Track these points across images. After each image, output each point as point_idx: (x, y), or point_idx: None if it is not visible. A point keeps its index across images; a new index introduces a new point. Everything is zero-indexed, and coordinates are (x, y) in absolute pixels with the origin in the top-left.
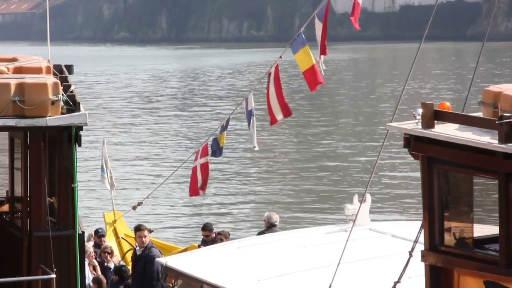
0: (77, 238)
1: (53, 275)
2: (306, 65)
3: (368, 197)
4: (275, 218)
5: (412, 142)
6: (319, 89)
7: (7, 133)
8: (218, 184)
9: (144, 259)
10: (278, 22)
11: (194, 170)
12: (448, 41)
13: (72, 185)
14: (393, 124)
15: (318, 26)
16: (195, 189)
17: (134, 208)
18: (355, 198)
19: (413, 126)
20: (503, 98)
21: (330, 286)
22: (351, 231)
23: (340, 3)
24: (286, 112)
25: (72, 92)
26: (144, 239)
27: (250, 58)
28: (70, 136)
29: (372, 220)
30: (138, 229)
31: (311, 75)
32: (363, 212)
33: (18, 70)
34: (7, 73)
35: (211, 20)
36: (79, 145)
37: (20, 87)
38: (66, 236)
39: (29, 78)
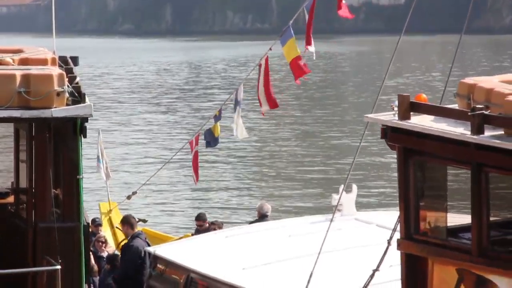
0: (82, 229)
1: (58, 266)
2: (291, 56)
3: (354, 188)
4: (266, 208)
5: (389, 133)
6: (319, 81)
7: (12, 124)
8: (212, 174)
9: (126, 248)
10: (282, 14)
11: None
12: (454, 33)
13: (77, 176)
14: (371, 115)
15: (307, 17)
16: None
17: (128, 198)
18: (341, 189)
19: (390, 117)
20: (477, 90)
21: (311, 274)
22: (331, 220)
23: None
24: (272, 103)
25: (77, 83)
26: (127, 231)
27: (255, 50)
28: (75, 128)
29: (359, 210)
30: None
31: (295, 66)
32: (349, 202)
33: (24, 62)
34: (13, 65)
35: (215, 12)
36: (84, 136)
37: (26, 78)
38: (71, 228)
39: (34, 70)
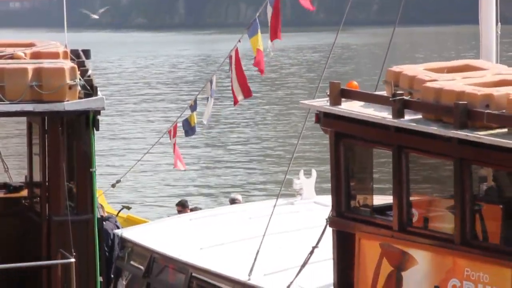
0: (96, 222)
1: (73, 259)
2: (254, 49)
3: (314, 173)
4: (238, 200)
5: (322, 118)
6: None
7: (25, 118)
8: (194, 163)
9: None
10: (295, 6)
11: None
12: (468, 24)
13: (90, 169)
14: (306, 101)
15: (269, 11)
16: (178, 163)
17: (113, 186)
18: (301, 173)
19: (323, 103)
20: (401, 78)
21: (257, 252)
22: (275, 204)
23: None
24: (247, 92)
25: (89, 76)
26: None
27: (266, 43)
28: (88, 121)
29: (319, 195)
30: None
31: (258, 59)
32: (308, 186)
33: (36, 55)
34: (25, 59)
35: (228, 5)
36: (97, 129)
37: (38, 72)
38: (85, 221)
39: (46, 63)
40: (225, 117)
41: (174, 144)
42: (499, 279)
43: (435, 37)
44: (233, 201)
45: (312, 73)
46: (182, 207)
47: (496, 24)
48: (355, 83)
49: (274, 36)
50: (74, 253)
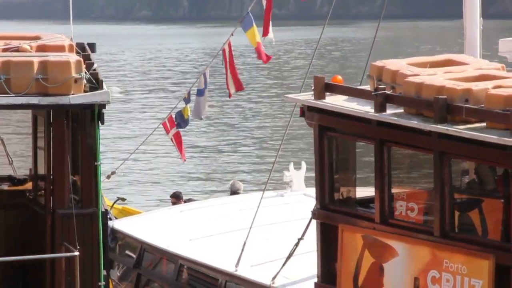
0: (100, 215)
1: (77, 253)
2: (254, 43)
3: (303, 165)
4: (238, 186)
5: (306, 112)
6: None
7: (30, 111)
8: (190, 154)
9: None
10: (298, 1)
11: (174, 138)
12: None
13: (95, 163)
14: (290, 95)
15: (263, 5)
16: (182, 154)
17: (108, 177)
18: (291, 166)
19: (308, 97)
20: (384, 72)
21: (244, 243)
22: (262, 196)
23: None
24: (238, 86)
25: (94, 70)
26: None
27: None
28: (93, 114)
29: (309, 187)
30: None
31: (258, 51)
32: (298, 178)
33: (41, 48)
34: (30, 51)
35: None
36: (102, 123)
37: (43, 65)
38: (89, 214)
39: (52, 56)
40: (219, 109)
41: (175, 135)
42: (477, 271)
43: (441, 31)
44: (234, 192)
45: (310, 67)
46: (177, 198)
47: (480, 19)
48: (339, 77)
49: (266, 32)
50: (78, 247)
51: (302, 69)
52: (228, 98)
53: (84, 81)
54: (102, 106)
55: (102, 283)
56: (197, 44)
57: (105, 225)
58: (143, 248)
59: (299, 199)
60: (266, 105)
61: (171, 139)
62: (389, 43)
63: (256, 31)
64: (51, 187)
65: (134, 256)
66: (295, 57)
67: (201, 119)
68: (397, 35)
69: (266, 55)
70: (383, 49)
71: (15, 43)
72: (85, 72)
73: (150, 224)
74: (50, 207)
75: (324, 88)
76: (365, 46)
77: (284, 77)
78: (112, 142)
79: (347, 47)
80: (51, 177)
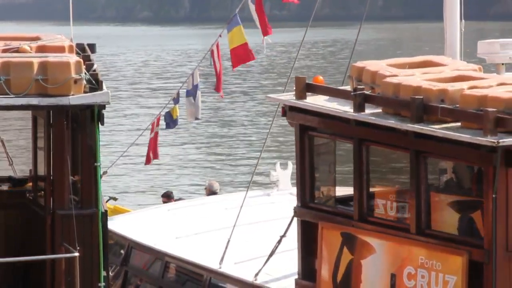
0: (100, 216)
1: (77, 253)
2: (234, 43)
3: (290, 165)
4: (216, 186)
5: (288, 112)
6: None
7: (30, 111)
8: (177, 153)
9: None
10: (301, 1)
11: (150, 140)
12: (470, 20)
13: (95, 163)
14: (272, 95)
15: (252, 8)
16: (149, 158)
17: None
18: (277, 165)
19: (289, 97)
20: (365, 73)
21: (228, 241)
22: (245, 195)
23: None
24: (218, 88)
25: (94, 70)
26: None
27: (272, 38)
28: (93, 115)
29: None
30: None
31: (239, 52)
32: (285, 178)
33: (41, 49)
34: (30, 52)
35: None
36: (102, 123)
37: (43, 65)
38: (89, 215)
39: (52, 57)
40: (210, 109)
41: (153, 137)
42: (451, 267)
43: (442, 32)
44: (213, 192)
45: (304, 69)
46: (167, 198)
47: (460, 21)
48: (320, 78)
49: (265, 32)
50: (78, 247)
51: (298, 70)
52: (214, 99)
53: (84, 82)
54: (102, 106)
55: (102, 283)
56: (198, 45)
57: (105, 225)
58: (131, 246)
59: (285, 198)
60: (256, 105)
61: (151, 139)
62: (390, 44)
63: (242, 30)
64: (51, 187)
65: (122, 253)
66: (292, 58)
67: (198, 119)
68: (398, 36)
69: (249, 55)
70: (385, 50)
71: (15, 44)
72: (85, 73)
73: (138, 223)
74: (50, 207)
75: (305, 88)
76: (366, 47)
77: (273, 78)
78: (108, 144)
79: (347, 48)
80: (51, 177)
